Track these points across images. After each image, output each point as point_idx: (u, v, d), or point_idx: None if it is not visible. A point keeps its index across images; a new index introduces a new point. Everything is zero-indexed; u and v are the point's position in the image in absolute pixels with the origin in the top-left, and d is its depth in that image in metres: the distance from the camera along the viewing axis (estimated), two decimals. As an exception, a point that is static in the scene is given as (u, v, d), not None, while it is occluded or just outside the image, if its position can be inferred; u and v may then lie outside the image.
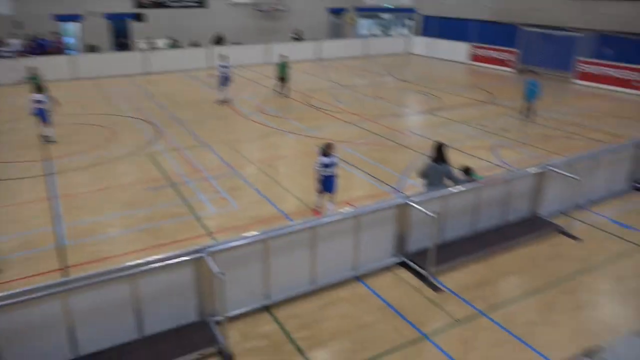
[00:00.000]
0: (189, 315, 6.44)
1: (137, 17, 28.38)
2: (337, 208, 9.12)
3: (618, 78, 20.73)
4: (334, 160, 9.15)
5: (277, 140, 14.21)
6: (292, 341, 6.29)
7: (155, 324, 6.21)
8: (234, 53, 22.87)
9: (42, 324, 5.57)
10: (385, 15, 35.82)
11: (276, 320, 6.68)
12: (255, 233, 6.75)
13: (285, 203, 10.13)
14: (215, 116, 16.76)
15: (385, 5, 33.85)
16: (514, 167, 11.50)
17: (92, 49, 26.71)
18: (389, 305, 7.01)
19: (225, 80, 17.92)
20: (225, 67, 17.82)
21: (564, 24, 23.12)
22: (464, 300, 7.10)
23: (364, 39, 31.08)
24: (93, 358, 5.81)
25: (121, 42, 28.29)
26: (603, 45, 21.83)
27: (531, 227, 9.07)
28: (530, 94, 15.92)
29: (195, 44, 27.96)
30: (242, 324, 6.58)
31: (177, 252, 6.20)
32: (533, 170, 9.18)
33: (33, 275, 7.58)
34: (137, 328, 6.12)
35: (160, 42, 27.52)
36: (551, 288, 7.40)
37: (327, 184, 9.20)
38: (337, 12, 34.05)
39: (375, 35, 34.67)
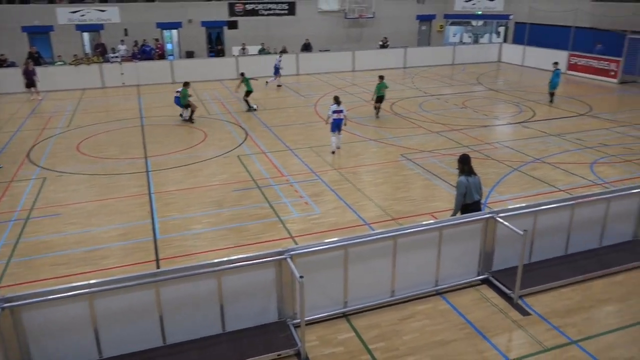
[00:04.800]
0: (270, 316, 6.59)
1: (231, 25, 29.73)
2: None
3: None
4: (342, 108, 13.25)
5: (360, 149, 14.17)
6: (369, 352, 6.23)
7: (236, 321, 6.42)
8: (320, 60, 23.48)
9: (138, 310, 5.96)
10: (476, 23, 34.81)
11: (354, 329, 6.66)
12: (335, 239, 6.79)
13: (365, 211, 10.09)
14: (301, 121, 17.11)
15: (477, 12, 32.99)
16: (614, 185, 10.68)
17: (189, 54, 28.33)
18: (470, 324, 6.74)
19: None
20: None
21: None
22: (553, 326, 6.67)
23: (452, 46, 30.41)
24: (178, 347, 6.13)
25: (215, 48, 29.78)
26: None
27: (632, 252, 8.36)
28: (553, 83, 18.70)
29: (284, 51, 28.68)
30: (321, 329, 6.62)
31: (261, 253, 6.39)
32: (637, 189, 8.47)
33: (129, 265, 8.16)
34: (220, 323, 6.35)
35: (252, 49, 28.52)
36: (654, 321, 6.77)
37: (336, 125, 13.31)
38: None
39: (464, 43, 33.80)
